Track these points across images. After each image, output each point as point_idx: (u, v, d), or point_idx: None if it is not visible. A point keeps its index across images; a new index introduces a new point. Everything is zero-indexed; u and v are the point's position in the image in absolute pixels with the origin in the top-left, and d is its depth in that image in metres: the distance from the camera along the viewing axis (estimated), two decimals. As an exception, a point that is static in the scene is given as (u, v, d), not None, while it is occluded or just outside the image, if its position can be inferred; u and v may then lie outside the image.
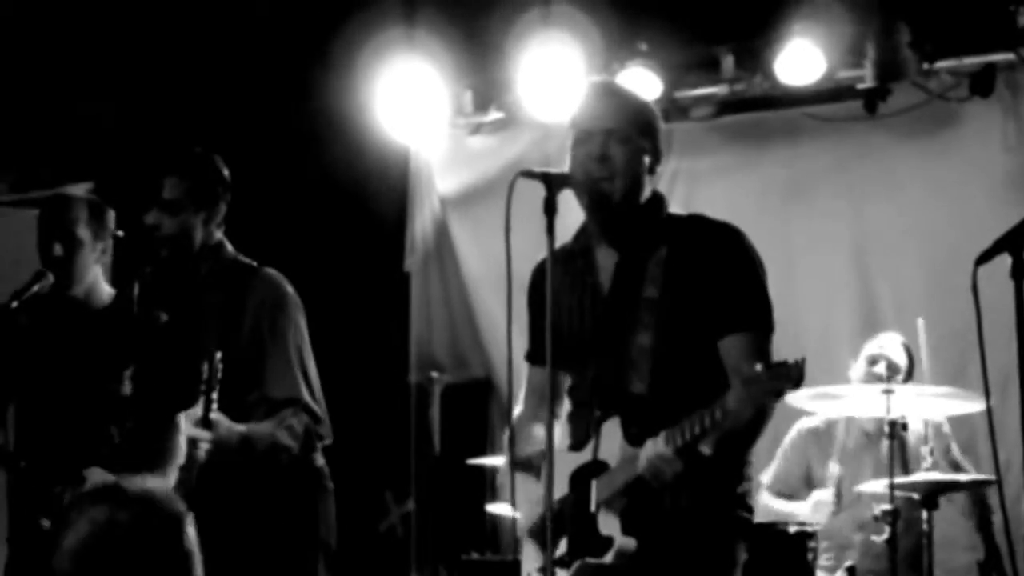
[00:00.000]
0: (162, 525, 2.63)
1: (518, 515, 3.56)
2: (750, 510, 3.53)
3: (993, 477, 4.80)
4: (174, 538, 2.63)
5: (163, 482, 2.78)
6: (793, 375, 3.05)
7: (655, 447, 3.24)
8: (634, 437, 3.36)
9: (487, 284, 7.11)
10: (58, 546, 2.62)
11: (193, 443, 3.92)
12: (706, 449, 3.25)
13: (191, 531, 2.66)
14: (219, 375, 3.92)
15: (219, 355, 3.93)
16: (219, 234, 4.31)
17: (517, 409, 3.70)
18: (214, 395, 3.91)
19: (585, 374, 3.54)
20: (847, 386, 5.45)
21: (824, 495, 5.63)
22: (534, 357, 3.68)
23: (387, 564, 6.97)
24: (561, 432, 3.59)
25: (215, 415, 3.92)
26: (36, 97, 6.88)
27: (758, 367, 3.08)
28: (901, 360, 5.65)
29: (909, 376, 5.63)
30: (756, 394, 3.10)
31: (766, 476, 5.81)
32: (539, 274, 3.57)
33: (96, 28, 6.84)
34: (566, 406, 3.62)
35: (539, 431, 3.50)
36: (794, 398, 4.81)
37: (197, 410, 3.92)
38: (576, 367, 3.56)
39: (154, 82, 6.87)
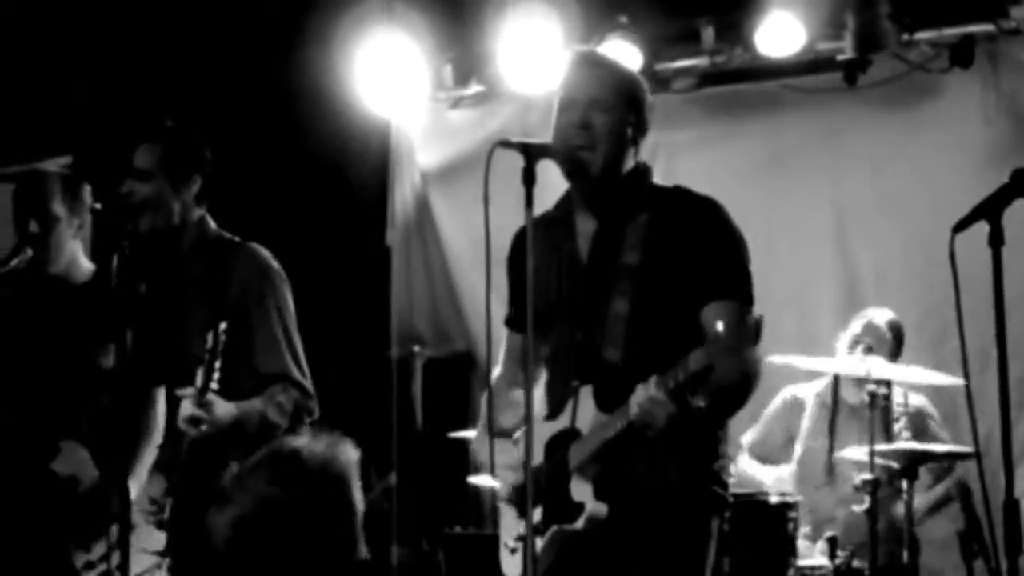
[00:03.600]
0: (332, 498, 2.61)
1: (496, 483, 3.57)
2: (725, 486, 3.53)
3: (971, 449, 4.82)
4: (343, 507, 2.63)
5: (330, 446, 2.78)
6: (751, 331, 3.07)
7: (646, 391, 3.21)
8: (605, 404, 3.36)
9: (468, 257, 7.10)
10: (214, 517, 2.57)
11: (191, 421, 3.90)
12: (700, 402, 3.26)
13: (358, 494, 2.66)
14: (222, 346, 3.87)
15: (223, 326, 3.89)
16: (201, 210, 4.29)
17: (496, 371, 3.71)
18: (216, 364, 3.87)
19: (561, 341, 3.53)
20: (829, 361, 5.50)
21: (785, 472, 5.68)
22: (512, 322, 3.69)
23: (369, 538, 6.96)
24: (539, 401, 3.57)
25: (211, 395, 3.89)
26: (10, 72, 6.83)
27: (719, 326, 3.08)
28: (885, 342, 5.60)
29: (898, 353, 5.61)
30: (715, 353, 3.11)
31: (747, 438, 5.83)
32: (519, 239, 3.56)
33: (72, 2, 6.79)
34: (544, 374, 3.61)
35: (517, 396, 3.52)
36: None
37: (196, 381, 3.88)
38: (551, 334, 3.55)
39: (131, 57, 6.83)
